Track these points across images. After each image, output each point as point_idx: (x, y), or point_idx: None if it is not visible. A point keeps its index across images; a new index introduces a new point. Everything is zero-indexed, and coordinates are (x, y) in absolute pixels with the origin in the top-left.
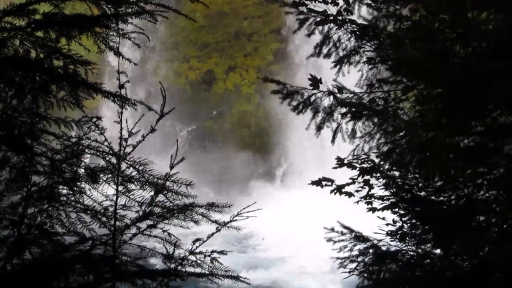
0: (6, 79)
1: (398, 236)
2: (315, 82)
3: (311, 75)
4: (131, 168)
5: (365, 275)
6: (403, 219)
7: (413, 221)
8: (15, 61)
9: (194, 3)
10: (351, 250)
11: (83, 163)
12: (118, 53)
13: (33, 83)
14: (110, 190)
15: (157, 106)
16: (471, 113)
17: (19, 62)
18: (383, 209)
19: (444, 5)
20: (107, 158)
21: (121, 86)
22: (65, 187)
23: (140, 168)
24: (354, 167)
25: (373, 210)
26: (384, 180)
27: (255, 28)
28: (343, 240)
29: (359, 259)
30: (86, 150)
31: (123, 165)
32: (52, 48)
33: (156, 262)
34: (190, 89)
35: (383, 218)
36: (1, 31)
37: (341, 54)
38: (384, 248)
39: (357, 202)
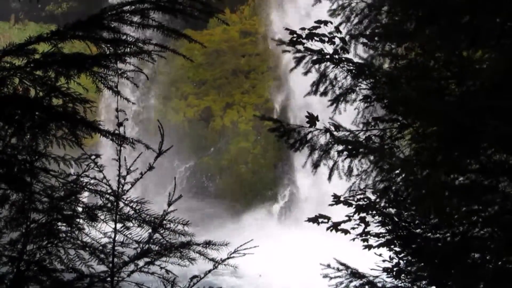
0: (5, 117)
1: (394, 273)
2: (312, 119)
3: (308, 112)
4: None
5: None
6: (399, 255)
7: (409, 258)
8: (14, 99)
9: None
10: (347, 286)
11: (81, 202)
12: (116, 92)
13: (32, 121)
14: (108, 227)
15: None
16: (466, 151)
17: (18, 101)
18: (379, 246)
19: (439, 44)
20: (105, 197)
21: (120, 125)
22: (64, 224)
23: (137, 207)
24: (350, 204)
25: (369, 247)
26: (380, 218)
27: (252, 66)
28: (339, 277)
29: None
30: (85, 189)
31: (121, 203)
32: (51, 86)
33: None
34: (188, 126)
35: (380, 255)
36: (1, 70)
37: (337, 92)
38: (380, 285)
39: (353, 239)
